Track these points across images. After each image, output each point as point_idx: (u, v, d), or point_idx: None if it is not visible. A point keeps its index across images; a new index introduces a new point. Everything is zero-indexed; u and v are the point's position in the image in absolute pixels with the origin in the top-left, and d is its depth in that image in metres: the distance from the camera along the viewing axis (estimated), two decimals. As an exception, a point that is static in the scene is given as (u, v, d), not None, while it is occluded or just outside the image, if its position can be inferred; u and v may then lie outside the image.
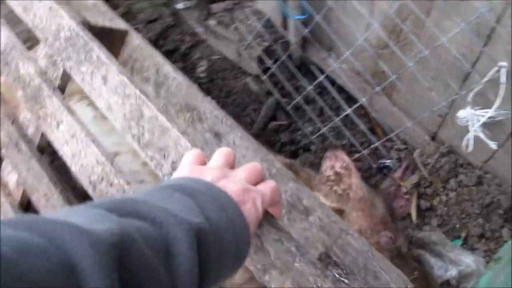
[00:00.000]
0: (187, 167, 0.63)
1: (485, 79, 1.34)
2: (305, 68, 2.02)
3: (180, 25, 2.25)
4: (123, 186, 0.94)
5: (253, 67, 2.06)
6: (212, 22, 2.07)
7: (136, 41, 1.34)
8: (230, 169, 0.64)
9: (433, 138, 1.81)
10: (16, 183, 1.23)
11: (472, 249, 1.64)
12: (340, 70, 1.92)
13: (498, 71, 1.30)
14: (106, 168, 0.96)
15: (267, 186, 0.63)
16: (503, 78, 1.30)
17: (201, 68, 2.16)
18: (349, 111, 1.79)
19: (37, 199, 1.12)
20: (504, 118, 1.42)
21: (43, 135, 1.11)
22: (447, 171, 1.75)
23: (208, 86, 2.13)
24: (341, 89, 1.97)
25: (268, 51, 1.99)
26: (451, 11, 1.37)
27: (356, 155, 1.87)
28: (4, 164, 1.28)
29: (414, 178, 1.77)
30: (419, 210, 1.74)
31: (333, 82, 1.97)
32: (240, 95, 2.09)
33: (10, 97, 1.29)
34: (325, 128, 1.90)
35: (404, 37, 1.54)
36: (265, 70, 2.04)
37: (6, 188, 1.26)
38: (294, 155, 1.96)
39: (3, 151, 1.21)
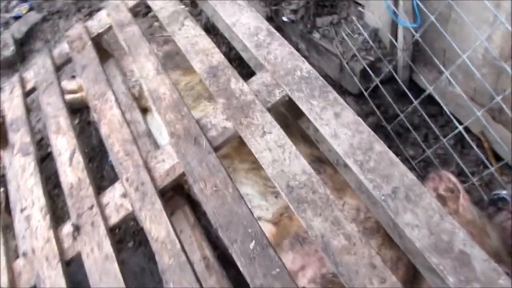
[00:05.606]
0: None
1: None
2: (412, 88, 1.83)
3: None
4: (328, 196, 1.10)
5: (355, 86, 1.91)
6: (316, 35, 1.97)
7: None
8: None
9: None
10: (174, 168, 1.30)
11: None
12: (452, 94, 1.71)
13: None
14: (313, 178, 1.13)
15: None
16: None
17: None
18: (460, 128, 1.56)
19: (199, 188, 1.21)
20: None
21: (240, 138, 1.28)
22: None
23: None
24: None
25: (373, 68, 1.84)
26: None
27: (464, 185, 1.61)
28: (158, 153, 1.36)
29: (536, 216, 1.47)
30: (540, 254, 1.43)
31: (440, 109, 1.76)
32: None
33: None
34: (430, 150, 1.68)
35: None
36: (367, 89, 1.88)
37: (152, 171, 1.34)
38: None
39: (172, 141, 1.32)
